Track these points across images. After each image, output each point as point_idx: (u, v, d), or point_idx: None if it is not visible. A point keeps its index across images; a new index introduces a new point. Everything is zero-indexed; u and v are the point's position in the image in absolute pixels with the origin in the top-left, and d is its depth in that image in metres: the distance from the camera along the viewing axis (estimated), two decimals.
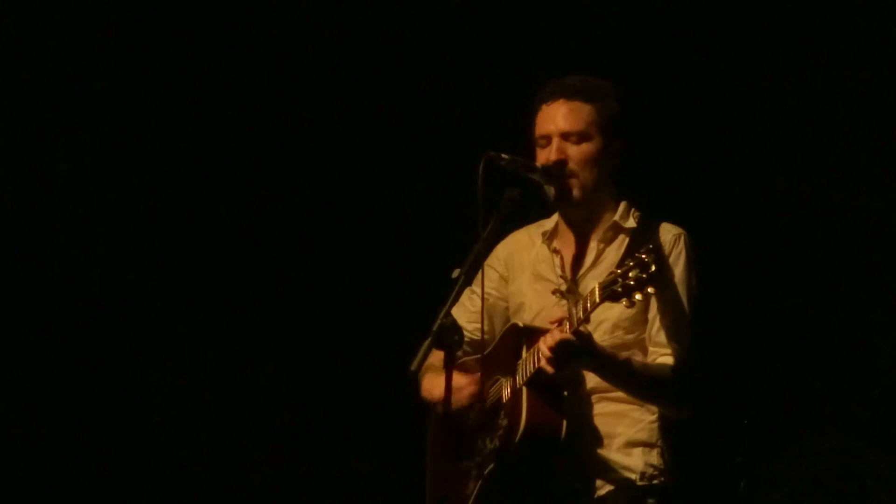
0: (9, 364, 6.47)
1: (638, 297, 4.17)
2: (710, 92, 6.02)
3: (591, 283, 4.44)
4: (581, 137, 4.55)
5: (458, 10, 6.32)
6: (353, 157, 6.48)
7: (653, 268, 4.14)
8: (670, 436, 4.57)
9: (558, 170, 4.54)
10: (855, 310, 5.91)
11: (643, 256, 4.16)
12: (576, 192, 4.56)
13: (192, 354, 6.56)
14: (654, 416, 4.55)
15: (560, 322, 4.38)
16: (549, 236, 4.71)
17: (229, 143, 6.54)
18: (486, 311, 4.72)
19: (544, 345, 4.34)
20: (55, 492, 6.48)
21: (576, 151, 4.55)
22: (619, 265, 4.25)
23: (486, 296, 4.68)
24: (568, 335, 4.32)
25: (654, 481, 4.52)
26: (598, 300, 4.26)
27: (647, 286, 4.15)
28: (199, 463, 6.58)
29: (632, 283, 4.16)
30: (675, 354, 4.46)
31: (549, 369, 4.33)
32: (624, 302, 4.20)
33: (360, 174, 6.48)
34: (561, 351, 4.32)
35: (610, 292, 4.21)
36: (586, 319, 4.33)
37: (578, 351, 4.34)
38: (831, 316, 5.93)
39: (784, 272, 5.94)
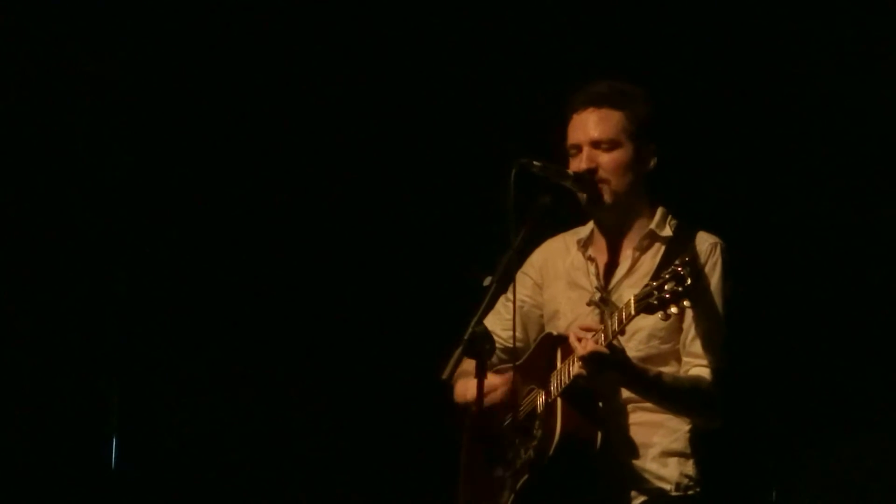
0: (8, 364, 6.45)
1: (673, 310, 4.15)
2: (750, 97, 5.97)
3: (626, 291, 4.44)
4: (611, 145, 4.54)
5: (491, 15, 6.28)
6: (387, 164, 6.44)
7: (689, 280, 4.11)
8: (703, 445, 4.53)
9: (590, 176, 4.52)
10: (886, 308, 5.86)
11: (679, 269, 4.14)
12: (607, 197, 4.54)
13: (206, 359, 6.54)
14: (689, 426, 4.52)
15: (594, 332, 4.35)
16: (584, 244, 4.69)
17: (246, 142, 6.51)
18: (520, 318, 4.72)
19: (577, 355, 4.32)
20: (56, 493, 6.46)
21: (607, 160, 4.53)
22: (654, 277, 4.24)
23: (520, 303, 4.70)
24: (601, 347, 4.29)
25: (689, 492, 4.49)
26: (633, 312, 4.23)
27: (683, 299, 4.13)
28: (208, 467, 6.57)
29: (667, 295, 4.14)
30: (710, 365, 4.42)
31: (584, 373, 4.31)
32: (659, 315, 4.18)
33: (394, 181, 6.44)
34: (594, 362, 4.29)
35: (645, 305, 4.19)
36: (621, 332, 4.31)
37: (610, 363, 4.32)
38: (863, 316, 5.88)
39: (816, 274, 5.90)
